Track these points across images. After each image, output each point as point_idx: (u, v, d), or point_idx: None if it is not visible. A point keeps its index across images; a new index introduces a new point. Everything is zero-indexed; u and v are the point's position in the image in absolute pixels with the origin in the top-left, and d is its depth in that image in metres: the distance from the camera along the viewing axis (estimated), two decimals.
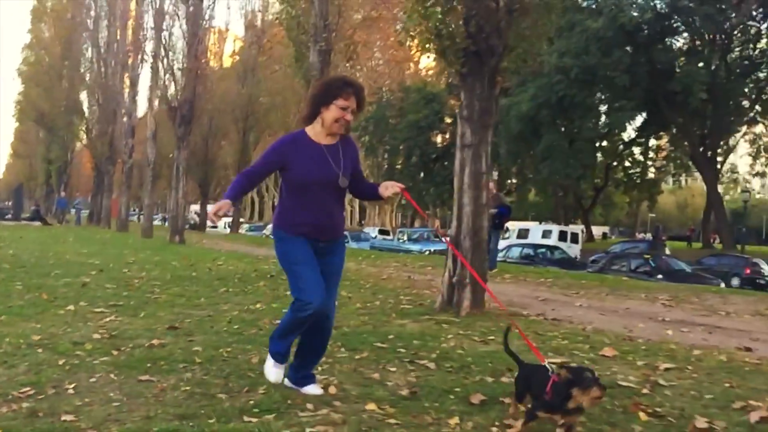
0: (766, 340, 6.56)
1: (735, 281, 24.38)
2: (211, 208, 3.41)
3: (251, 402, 3.42)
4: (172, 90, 19.97)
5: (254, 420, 3.13)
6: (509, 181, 54.76)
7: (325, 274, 3.45)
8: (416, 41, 6.86)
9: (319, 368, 4.23)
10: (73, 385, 3.61)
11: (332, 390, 3.68)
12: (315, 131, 3.47)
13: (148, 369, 4.03)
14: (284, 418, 3.19)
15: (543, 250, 27.07)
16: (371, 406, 3.40)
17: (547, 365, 3.03)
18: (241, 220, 52.65)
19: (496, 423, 3.19)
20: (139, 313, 6.25)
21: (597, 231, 68.31)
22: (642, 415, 3.36)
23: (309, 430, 3.01)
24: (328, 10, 9.89)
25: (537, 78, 35.64)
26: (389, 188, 3.49)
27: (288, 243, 3.47)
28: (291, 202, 3.48)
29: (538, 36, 6.72)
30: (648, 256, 21.62)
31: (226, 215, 3.63)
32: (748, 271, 25.22)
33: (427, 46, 6.66)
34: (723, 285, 19.38)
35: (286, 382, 3.65)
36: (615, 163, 48.38)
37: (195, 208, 50.94)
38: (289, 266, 3.46)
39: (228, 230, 40.67)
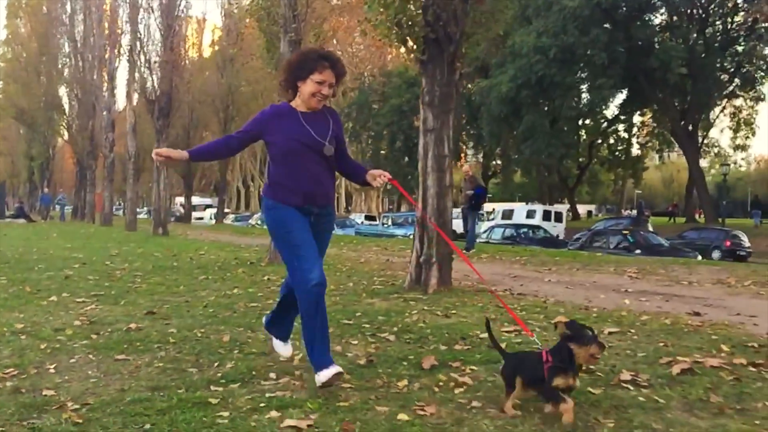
0: (718, 305, 6.93)
1: (716, 254, 24.93)
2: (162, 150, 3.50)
3: (219, 374, 3.71)
4: (149, 83, 20.05)
5: (220, 389, 3.42)
6: (494, 162, 55.28)
7: (316, 241, 3.48)
8: (378, 30, 7.09)
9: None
10: (53, 366, 3.88)
11: (295, 362, 3.98)
12: (296, 103, 3.50)
13: (125, 349, 4.31)
14: (248, 387, 3.49)
15: (525, 230, 27.50)
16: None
17: (536, 340, 3.18)
18: (227, 210, 52.81)
19: (440, 384, 3.50)
20: (120, 301, 6.51)
21: (583, 209, 68.99)
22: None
23: (269, 395, 3.30)
24: (296, 1, 10.08)
25: (516, 59, 35.94)
26: (377, 178, 3.51)
27: (280, 211, 3.46)
28: (278, 172, 3.47)
29: (495, 21, 6.99)
30: (626, 232, 22.06)
31: (168, 161, 3.52)
32: (728, 243, 25.79)
33: (388, 34, 6.90)
34: (699, 257, 19.87)
35: (319, 378, 3.34)
36: (600, 141, 48.86)
37: (180, 200, 51.01)
38: (285, 243, 3.46)
39: (213, 221, 40.80)
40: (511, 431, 2.84)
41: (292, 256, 3.42)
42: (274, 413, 3.02)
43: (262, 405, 3.14)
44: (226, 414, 3.01)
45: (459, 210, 16.48)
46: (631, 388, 3.40)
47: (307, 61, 3.44)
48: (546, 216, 33.67)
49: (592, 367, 3.54)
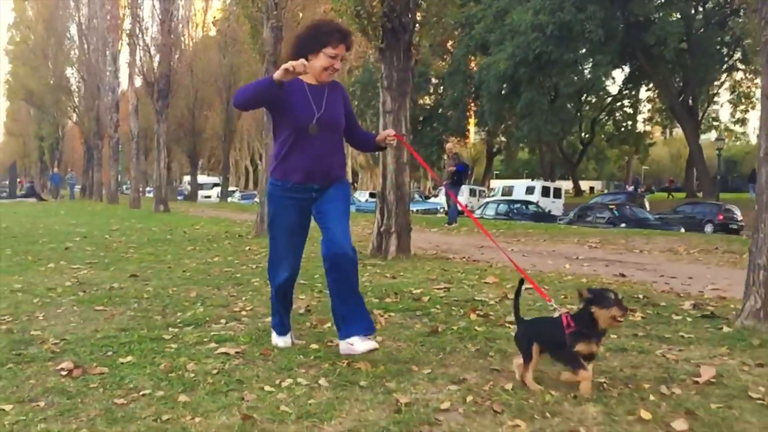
0: (651, 270, 7.64)
1: (708, 227, 25.44)
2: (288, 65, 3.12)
3: (178, 320, 4.47)
4: (148, 66, 20.75)
5: (176, 330, 4.18)
6: (497, 139, 55.66)
7: (321, 211, 3.40)
8: (343, 19, 7.75)
9: (243, 298, 5.31)
10: (42, 315, 4.66)
11: (243, 313, 4.73)
12: (305, 77, 3.36)
13: (105, 303, 5.07)
14: (199, 329, 4.24)
15: (518, 205, 28.13)
16: (269, 320, 4.45)
17: (553, 304, 3.13)
18: (234, 188, 53.69)
19: None
20: (110, 267, 7.29)
21: (589, 186, 69.35)
22: (473, 316, 4.44)
23: (213, 334, 4.05)
24: None
25: (515, 36, 36.27)
26: (386, 138, 3.51)
27: (275, 204, 3.47)
28: (280, 147, 3.40)
29: (446, 8, 7.62)
30: (613, 207, 22.68)
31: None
32: (721, 217, 26.27)
33: (351, 23, 7.56)
34: (683, 231, 20.46)
35: (344, 348, 3.33)
36: (606, 117, 49.12)
37: (188, 179, 51.87)
38: (272, 229, 3.54)
39: (218, 199, 41.65)
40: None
41: (274, 243, 3.57)
42: (213, 344, 3.77)
43: (205, 340, 3.90)
44: (174, 345, 3.77)
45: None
46: (510, 326, 4.13)
47: (319, 35, 3.30)
48: (545, 192, 34.29)
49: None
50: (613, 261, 8.47)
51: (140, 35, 20.97)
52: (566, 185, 50.85)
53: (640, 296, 5.16)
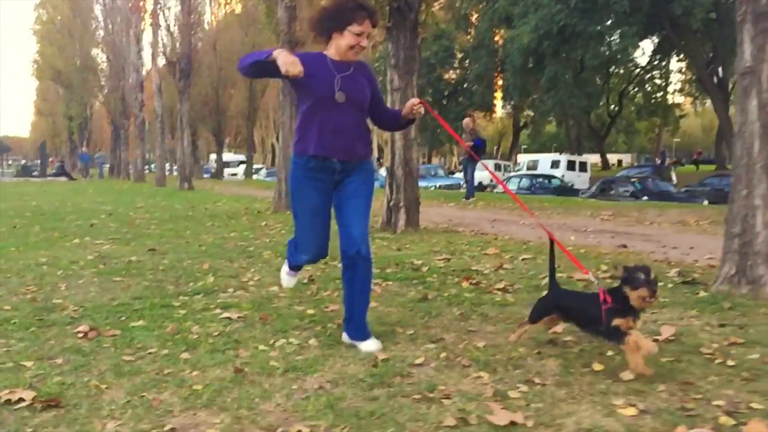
0: (656, 240, 7.77)
1: None
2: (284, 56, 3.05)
3: (189, 289, 4.78)
4: (170, 45, 21.11)
5: (186, 298, 4.49)
6: (524, 113, 55.29)
7: (342, 202, 3.27)
8: None
9: (252, 269, 5.60)
10: (64, 285, 5.00)
11: (251, 283, 5.02)
12: (330, 52, 3.24)
13: (123, 274, 5.41)
14: (208, 296, 4.54)
15: (541, 179, 28.09)
16: (274, 288, 4.74)
17: (592, 278, 3.06)
18: (259, 166, 54.22)
19: None
20: (131, 242, 7.65)
21: (618, 159, 68.56)
22: (465, 284, 4.68)
23: (220, 301, 4.36)
24: None
25: (538, 9, 35.93)
26: (413, 109, 3.30)
27: (299, 183, 3.29)
28: (301, 121, 3.26)
29: None
30: (635, 180, 22.59)
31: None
32: None
33: None
34: (706, 203, 20.37)
35: (344, 337, 3.36)
36: (635, 89, 48.46)
37: (214, 157, 52.54)
38: (293, 209, 3.39)
39: (244, 177, 42.19)
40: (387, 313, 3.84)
41: (296, 224, 3.39)
42: (218, 311, 4.07)
43: (211, 306, 4.20)
44: (183, 311, 4.07)
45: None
46: (498, 293, 4.37)
47: (344, 11, 3.14)
48: (570, 166, 34.06)
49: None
50: (620, 233, 8.60)
51: (161, 15, 21.33)
52: (594, 159, 50.37)
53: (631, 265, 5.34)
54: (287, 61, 2.99)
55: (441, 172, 40.50)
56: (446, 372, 2.80)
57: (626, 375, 2.61)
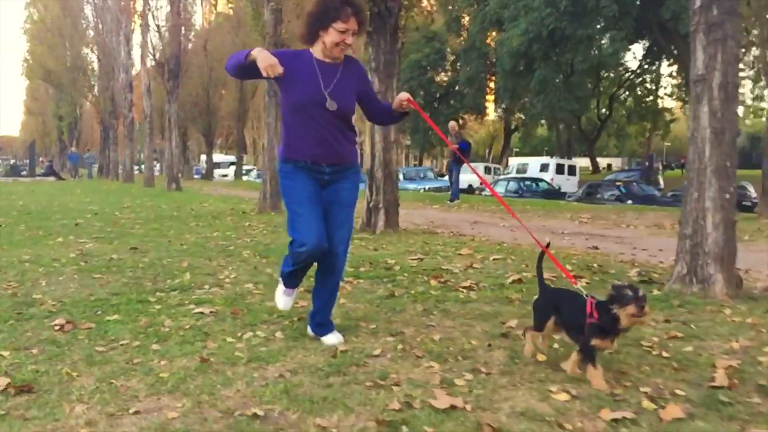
0: (628, 243, 7.98)
1: None
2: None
3: (166, 286, 4.93)
4: (158, 46, 21.21)
5: (162, 294, 4.64)
6: (515, 116, 55.58)
7: (328, 204, 3.27)
8: None
9: (230, 268, 5.75)
10: (45, 281, 5.14)
11: (227, 280, 5.17)
12: (316, 51, 3.24)
13: (103, 271, 5.55)
14: (184, 293, 4.69)
15: (528, 183, 28.34)
16: (249, 286, 4.90)
17: (580, 289, 2.90)
18: (250, 167, 54.26)
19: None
20: (114, 241, 7.78)
21: (606, 163, 68.99)
22: (433, 283, 4.85)
23: (195, 297, 4.51)
24: None
25: (528, 12, 36.22)
26: (402, 104, 3.33)
27: (290, 179, 3.27)
28: (288, 127, 3.27)
29: None
30: (620, 184, 22.87)
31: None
32: None
33: None
34: None
35: (308, 330, 3.49)
36: (625, 93, 48.79)
37: (204, 158, 52.58)
38: (288, 204, 3.30)
39: (234, 178, 42.26)
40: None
41: (293, 214, 3.27)
42: (192, 306, 4.22)
43: (186, 302, 4.35)
44: (158, 306, 4.22)
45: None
46: (463, 290, 4.54)
47: (329, 9, 3.14)
48: (559, 169, 34.32)
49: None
50: (595, 235, 8.81)
51: (150, 16, 21.43)
52: (584, 162, 50.65)
53: (595, 265, 5.54)
54: (266, 64, 3.03)
55: (430, 174, 40.67)
56: (400, 362, 2.97)
57: (566, 365, 2.78)
